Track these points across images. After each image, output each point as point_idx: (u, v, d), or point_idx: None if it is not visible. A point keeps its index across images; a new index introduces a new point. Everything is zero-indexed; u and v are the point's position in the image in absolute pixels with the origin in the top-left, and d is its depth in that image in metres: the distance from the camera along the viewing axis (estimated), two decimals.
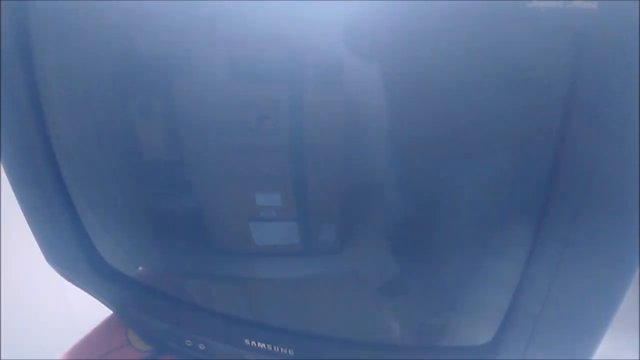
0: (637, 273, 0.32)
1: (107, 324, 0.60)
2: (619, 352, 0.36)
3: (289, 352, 0.46)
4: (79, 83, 0.42)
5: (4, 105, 0.43)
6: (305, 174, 0.40)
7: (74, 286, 0.55)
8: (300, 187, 0.41)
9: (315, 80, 0.35)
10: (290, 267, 0.47)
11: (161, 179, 0.45)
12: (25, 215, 0.50)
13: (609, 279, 0.33)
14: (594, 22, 0.25)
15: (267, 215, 0.43)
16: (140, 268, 0.53)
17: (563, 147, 0.29)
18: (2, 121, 0.44)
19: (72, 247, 0.50)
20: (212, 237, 0.48)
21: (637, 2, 0.24)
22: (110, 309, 0.57)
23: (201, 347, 0.50)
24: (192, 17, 0.35)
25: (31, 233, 0.51)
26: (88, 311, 0.61)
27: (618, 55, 0.25)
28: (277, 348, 0.46)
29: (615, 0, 0.24)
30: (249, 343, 0.47)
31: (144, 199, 0.47)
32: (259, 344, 0.47)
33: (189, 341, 0.51)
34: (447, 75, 0.30)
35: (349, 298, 0.47)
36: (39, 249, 0.53)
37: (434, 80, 0.31)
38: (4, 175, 0.48)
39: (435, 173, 0.37)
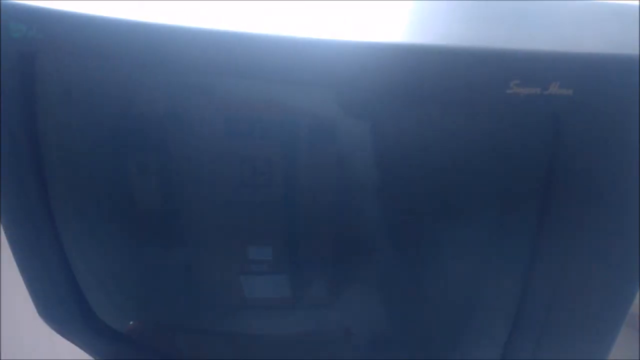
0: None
1: None
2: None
3: None
4: (75, 137, 0.43)
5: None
6: (297, 229, 0.41)
7: (63, 340, 0.55)
8: (293, 241, 0.42)
9: (310, 138, 0.36)
10: (283, 322, 0.47)
11: (155, 234, 0.46)
12: (19, 268, 0.50)
13: (616, 284, 0.33)
14: (570, 107, 0.26)
15: (259, 270, 0.43)
16: (131, 323, 0.53)
17: (544, 217, 0.30)
18: None
19: (65, 301, 0.49)
20: (205, 292, 0.48)
21: (611, 88, 0.26)
22: None
23: None
24: (190, 80, 0.37)
25: (22, 285, 0.51)
26: (77, 356, 0.60)
27: (593, 136, 0.27)
28: None
29: (590, 87, 0.26)
30: None
31: (138, 253, 0.48)
32: None
33: None
34: (435, 149, 0.32)
35: (341, 353, 0.47)
36: (29, 302, 0.52)
37: (423, 153, 0.32)
38: None
39: (424, 234, 0.38)
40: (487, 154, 0.30)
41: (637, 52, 0.26)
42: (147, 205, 0.45)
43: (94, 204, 0.46)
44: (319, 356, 0.47)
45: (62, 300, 0.49)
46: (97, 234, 0.47)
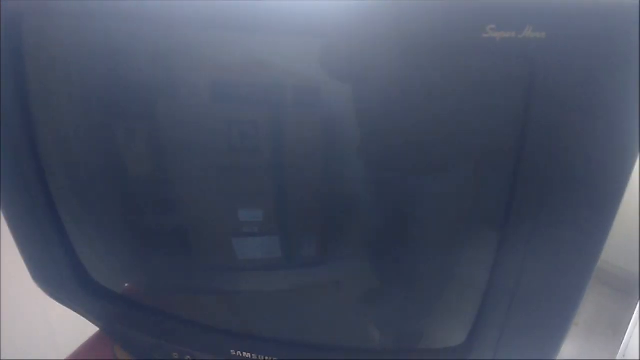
0: (592, 276, 0.34)
1: (94, 340, 0.61)
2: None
3: None
4: (67, 105, 0.43)
5: None
6: (286, 190, 0.43)
7: (57, 305, 0.56)
8: (281, 202, 0.43)
9: (295, 100, 0.37)
10: (274, 279, 0.49)
11: (147, 197, 0.47)
12: (12, 233, 0.51)
13: (569, 276, 0.35)
14: (543, 50, 0.28)
15: (250, 231, 0.45)
16: (126, 284, 0.54)
17: (520, 159, 0.32)
18: None
19: (59, 265, 0.50)
20: (197, 253, 0.49)
21: (582, 33, 0.27)
22: (97, 325, 0.58)
23: (188, 359, 0.52)
24: (177, 44, 0.37)
25: (15, 252, 0.52)
26: (71, 330, 0.61)
27: (565, 77, 0.28)
28: (262, 357, 0.48)
29: (561, 30, 0.27)
30: (234, 353, 0.49)
31: (131, 217, 0.49)
32: (244, 353, 0.48)
33: (176, 354, 0.52)
34: (416, 97, 0.33)
35: (330, 306, 0.49)
36: (21, 269, 0.53)
37: (404, 103, 0.34)
38: None
39: (406, 186, 0.39)
40: (465, 98, 0.31)
41: None
42: (138, 168, 0.46)
43: (86, 165, 0.46)
44: (310, 309, 0.49)
45: (56, 263, 0.50)
46: (89, 195, 0.48)
